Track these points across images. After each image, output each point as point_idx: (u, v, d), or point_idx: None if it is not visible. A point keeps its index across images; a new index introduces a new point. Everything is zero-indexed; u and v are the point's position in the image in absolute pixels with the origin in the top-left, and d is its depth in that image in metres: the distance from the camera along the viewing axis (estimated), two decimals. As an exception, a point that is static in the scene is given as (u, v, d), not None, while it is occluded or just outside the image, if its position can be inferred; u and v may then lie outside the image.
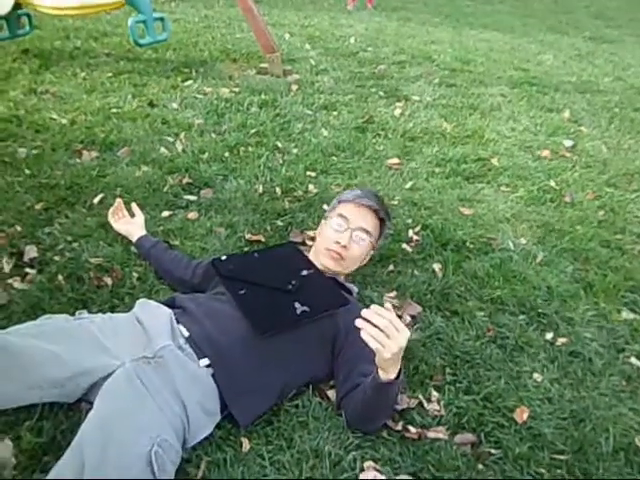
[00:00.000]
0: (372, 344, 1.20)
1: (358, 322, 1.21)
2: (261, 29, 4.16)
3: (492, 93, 4.26)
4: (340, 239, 1.64)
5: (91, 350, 1.33)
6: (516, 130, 3.54)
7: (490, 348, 1.72)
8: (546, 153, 3.20)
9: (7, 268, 1.83)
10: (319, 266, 1.64)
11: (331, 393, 1.49)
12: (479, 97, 4.13)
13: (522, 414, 1.50)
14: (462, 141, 3.28)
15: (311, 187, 2.57)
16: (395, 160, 2.94)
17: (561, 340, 1.79)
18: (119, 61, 4.22)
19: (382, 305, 1.24)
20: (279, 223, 2.27)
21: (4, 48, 4.19)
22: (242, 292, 1.45)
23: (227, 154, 2.82)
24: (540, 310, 1.91)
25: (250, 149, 2.91)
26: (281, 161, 2.81)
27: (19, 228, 2.05)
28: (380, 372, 1.29)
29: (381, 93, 4.01)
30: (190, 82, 3.85)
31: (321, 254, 1.67)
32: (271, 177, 2.63)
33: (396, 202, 2.50)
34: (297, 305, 1.43)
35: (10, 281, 1.78)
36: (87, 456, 1.09)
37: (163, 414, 1.22)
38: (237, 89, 3.79)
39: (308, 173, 2.71)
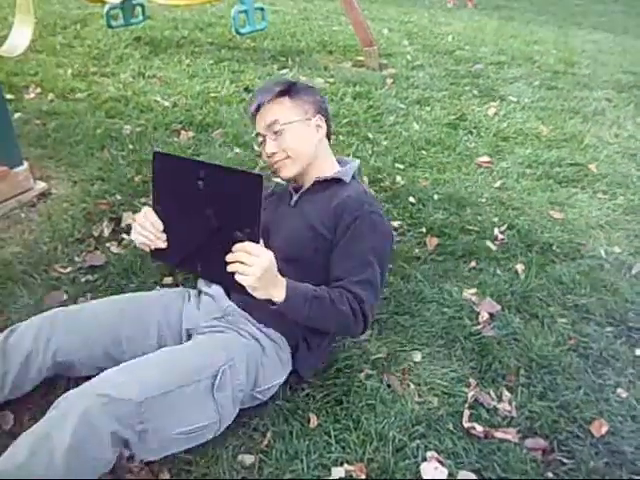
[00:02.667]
0: (237, 278, 1.09)
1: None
2: (360, 22, 4.18)
3: (596, 97, 4.03)
4: (264, 152, 1.48)
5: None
6: (620, 136, 3.33)
7: (570, 356, 1.64)
8: (653, 162, 2.99)
9: (107, 232, 1.98)
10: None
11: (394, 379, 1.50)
12: (582, 101, 3.91)
13: (600, 427, 1.42)
14: (558, 145, 3.13)
15: (398, 179, 2.56)
16: (486, 158, 2.87)
17: (652, 358, 1.67)
18: (220, 49, 4.40)
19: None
20: (362, 212, 2.28)
21: (118, 35, 4.51)
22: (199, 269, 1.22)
23: (317, 141, 2.86)
24: (631, 324, 1.80)
25: (341, 137, 2.94)
26: (370, 151, 2.82)
27: (119, 197, 2.20)
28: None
29: (475, 92, 3.91)
30: (286, 70, 3.95)
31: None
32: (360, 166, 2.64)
33: (484, 200, 2.44)
34: (238, 234, 1.11)
35: (108, 245, 1.93)
36: None
37: (240, 338, 1.31)
38: (332, 79, 3.84)
39: (396, 165, 2.70)
